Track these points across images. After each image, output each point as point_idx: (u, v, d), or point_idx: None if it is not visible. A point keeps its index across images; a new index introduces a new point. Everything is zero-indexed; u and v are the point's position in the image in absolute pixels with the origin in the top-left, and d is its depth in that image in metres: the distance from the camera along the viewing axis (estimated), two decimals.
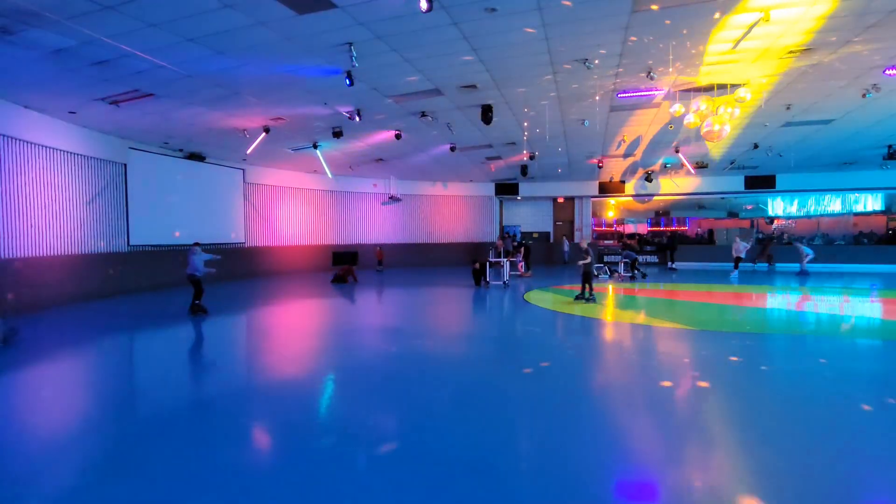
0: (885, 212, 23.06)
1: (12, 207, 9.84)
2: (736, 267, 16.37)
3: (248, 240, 17.81)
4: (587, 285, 10.58)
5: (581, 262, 10.73)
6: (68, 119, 10.88)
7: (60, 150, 11.11)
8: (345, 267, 15.90)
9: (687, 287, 13.76)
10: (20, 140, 10.04)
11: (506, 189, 23.32)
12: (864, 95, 9.62)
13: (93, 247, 12.07)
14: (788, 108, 10.85)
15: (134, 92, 9.07)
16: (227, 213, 16.89)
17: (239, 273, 16.88)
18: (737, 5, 6.21)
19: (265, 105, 10.18)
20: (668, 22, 6.66)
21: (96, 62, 7.55)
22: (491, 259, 14.97)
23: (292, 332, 8.62)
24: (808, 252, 16.36)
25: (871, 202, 23.30)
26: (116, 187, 12.90)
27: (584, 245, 10.97)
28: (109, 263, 12.51)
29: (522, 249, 18.13)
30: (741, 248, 16.46)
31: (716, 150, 15.63)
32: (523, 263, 17.48)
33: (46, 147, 10.72)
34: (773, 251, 19.69)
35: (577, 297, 10.77)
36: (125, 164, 13.11)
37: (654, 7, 6.21)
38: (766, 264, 19.34)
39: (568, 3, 6.06)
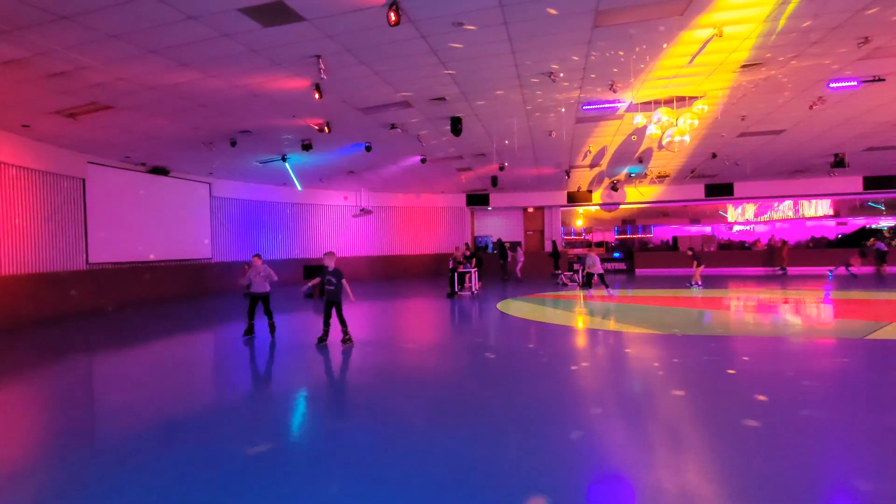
0: (835, 216, 24.38)
1: None
2: (590, 281, 17.29)
3: (216, 255, 17.36)
4: (336, 320, 7.57)
5: (309, 286, 8.19)
6: (21, 133, 10.42)
7: (13, 166, 10.61)
8: (316, 280, 15.65)
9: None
10: None
11: (477, 200, 23.54)
12: (811, 107, 10.19)
13: (49, 265, 11.52)
14: (743, 119, 11.37)
15: (92, 105, 8.78)
16: (193, 229, 16.42)
17: (206, 289, 16.41)
18: (692, 22, 6.51)
19: (231, 118, 10.01)
20: (627, 38, 6.92)
21: (52, 74, 7.28)
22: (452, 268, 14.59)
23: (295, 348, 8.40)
24: (593, 262, 17.40)
25: (822, 208, 24.64)
26: (74, 203, 12.39)
27: (331, 263, 7.67)
28: (67, 283, 11.96)
29: (474, 261, 15.67)
30: (591, 262, 17.26)
31: (676, 159, 16.23)
32: (474, 274, 15.02)
33: None
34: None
35: (319, 340, 7.63)
36: (83, 179, 12.61)
37: (614, 23, 6.46)
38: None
39: (532, 19, 6.24)
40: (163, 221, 15.10)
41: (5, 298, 10.25)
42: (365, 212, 21.22)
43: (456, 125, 10.60)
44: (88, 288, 12.59)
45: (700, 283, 15.08)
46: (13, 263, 10.56)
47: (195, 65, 7.24)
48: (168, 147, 12.17)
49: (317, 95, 8.10)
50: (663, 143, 9.15)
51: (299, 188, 17.58)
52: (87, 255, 12.68)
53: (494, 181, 18.60)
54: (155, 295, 14.57)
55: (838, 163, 15.79)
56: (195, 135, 11.10)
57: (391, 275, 22.23)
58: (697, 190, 21.89)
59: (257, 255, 8.67)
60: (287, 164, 14.39)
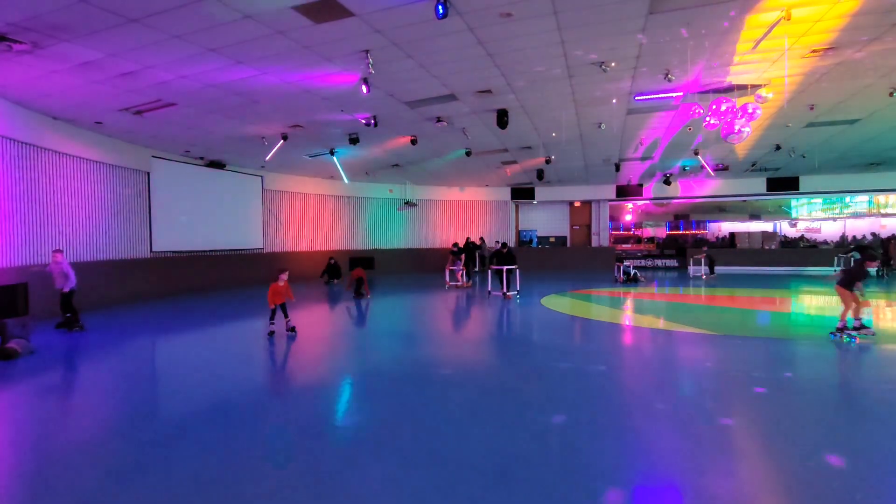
0: None
1: (41, 215, 10.17)
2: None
3: (267, 245, 18.07)
4: (73, 313, 8.49)
5: (63, 290, 8.40)
6: (95, 129, 11.21)
7: (87, 160, 11.46)
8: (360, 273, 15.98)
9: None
10: (49, 150, 10.38)
11: (522, 193, 23.25)
12: (891, 94, 9.37)
13: (117, 253, 12.39)
14: (812, 109, 10.61)
15: (157, 102, 9.31)
16: (246, 220, 17.19)
17: (258, 278, 17.12)
18: (757, 5, 6.11)
19: (283, 113, 10.34)
20: (685, 24, 6.59)
21: (122, 74, 7.77)
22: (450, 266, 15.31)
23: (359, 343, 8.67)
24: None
25: None
26: (140, 195, 13.23)
27: (54, 265, 8.55)
28: (133, 270, 12.82)
29: (463, 256, 16.18)
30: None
31: (737, 151, 15.36)
32: (463, 272, 15.88)
33: (74, 157, 11.07)
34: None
35: (58, 326, 8.61)
36: (148, 173, 13.44)
37: (671, 9, 6.16)
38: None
39: (583, 7, 6.04)
40: (219, 213, 15.89)
41: (79, 284, 11.06)
42: (410, 204, 21.44)
43: (502, 118, 10.48)
44: (152, 275, 13.44)
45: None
46: (88, 251, 11.42)
47: (251, 62, 7.52)
48: (224, 141, 12.74)
49: (364, 89, 8.22)
50: (723, 134, 8.65)
51: (346, 181, 17.96)
52: (150, 244, 13.53)
53: (540, 174, 18.30)
54: (210, 282, 15.35)
55: None
56: (250, 129, 11.56)
57: (435, 268, 22.34)
58: (758, 184, 20.66)
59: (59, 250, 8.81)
60: (335, 158, 14.73)
